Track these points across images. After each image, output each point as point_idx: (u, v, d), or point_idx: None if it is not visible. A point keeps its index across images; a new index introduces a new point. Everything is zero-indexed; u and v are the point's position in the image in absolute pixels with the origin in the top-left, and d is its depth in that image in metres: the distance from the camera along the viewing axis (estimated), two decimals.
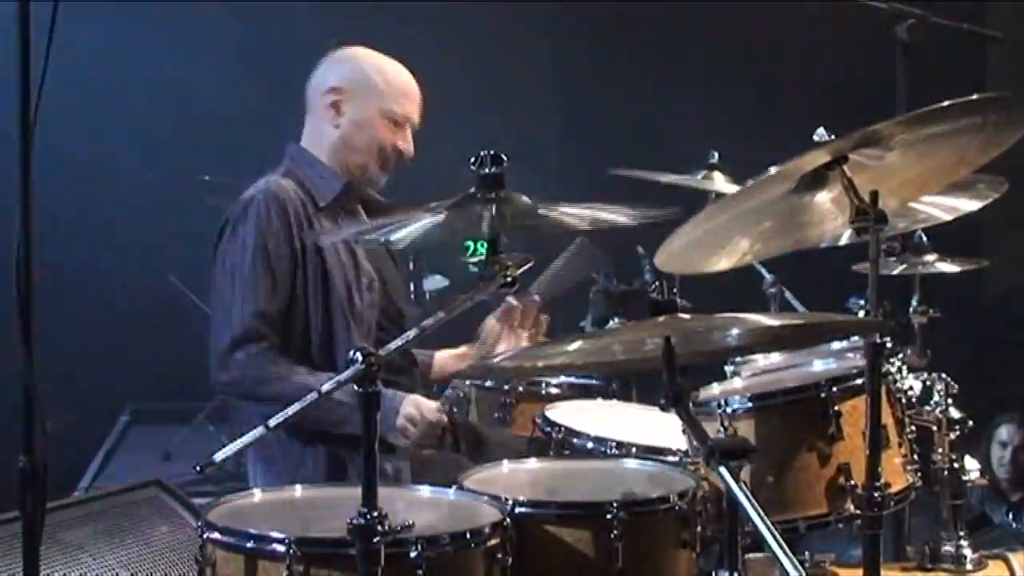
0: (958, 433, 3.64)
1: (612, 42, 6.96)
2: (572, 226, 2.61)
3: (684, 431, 2.67)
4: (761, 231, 2.77)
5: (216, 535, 2.33)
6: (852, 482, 2.91)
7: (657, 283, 2.44)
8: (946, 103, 2.39)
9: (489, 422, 3.89)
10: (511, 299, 3.49)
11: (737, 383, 3.36)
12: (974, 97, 2.40)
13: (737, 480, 2.16)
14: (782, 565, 2.05)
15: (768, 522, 2.08)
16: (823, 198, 2.74)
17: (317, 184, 3.33)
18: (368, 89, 3.35)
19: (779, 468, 2.95)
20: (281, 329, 3.19)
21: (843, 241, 3.29)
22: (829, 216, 2.79)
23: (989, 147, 2.58)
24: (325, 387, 2.25)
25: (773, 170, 2.53)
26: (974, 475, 3.70)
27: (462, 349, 3.62)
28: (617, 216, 2.58)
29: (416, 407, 3.14)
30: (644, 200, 3.93)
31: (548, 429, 3.30)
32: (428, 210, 2.50)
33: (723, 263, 2.80)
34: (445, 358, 3.61)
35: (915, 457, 3.16)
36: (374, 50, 3.47)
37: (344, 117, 3.35)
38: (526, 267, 2.48)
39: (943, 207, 3.27)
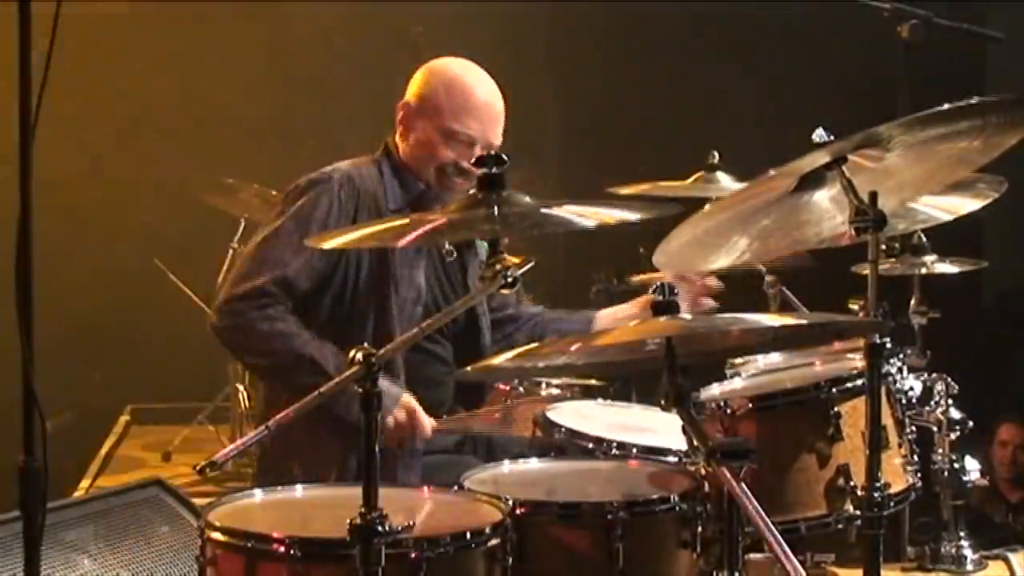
0: (958, 433, 3.64)
1: (612, 42, 6.96)
2: (573, 225, 2.61)
3: (684, 431, 2.67)
4: (760, 230, 2.77)
5: (216, 535, 2.33)
6: (852, 483, 2.90)
7: (658, 283, 2.44)
8: (946, 106, 2.39)
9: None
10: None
11: (737, 383, 3.36)
12: (974, 101, 2.40)
13: (737, 480, 2.17)
14: (782, 566, 2.05)
15: (768, 523, 2.08)
16: (822, 197, 2.74)
17: (395, 185, 3.34)
18: (430, 106, 3.34)
19: (779, 469, 2.94)
20: (297, 305, 3.20)
21: (842, 242, 3.29)
22: (828, 215, 2.79)
23: (989, 148, 2.58)
24: (324, 387, 2.25)
25: (773, 172, 2.54)
26: (974, 475, 3.70)
27: (629, 308, 3.53)
28: (618, 214, 2.58)
29: (409, 411, 3.12)
30: (644, 199, 3.94)
31: (548, 429, 3.30)
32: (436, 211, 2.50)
33: (721, 261, 2.80)
34: (612, 316, 3.54)
35: (915, 458, 3.16)
36: (464, 60, 3.43)
37: (410, 133, 3.36)
38: (527, 267, 2.48)
39: (943, 207, 3.27)
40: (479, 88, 3.35)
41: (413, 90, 3.39)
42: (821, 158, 2.57)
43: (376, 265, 3.23)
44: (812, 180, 2.67)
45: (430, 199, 3.34)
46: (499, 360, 2.57)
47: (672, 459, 3.00)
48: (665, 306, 2.38)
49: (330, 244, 2.61)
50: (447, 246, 3.41)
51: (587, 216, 2.59)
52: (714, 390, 3.27)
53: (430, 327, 2.46)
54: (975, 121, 2.47)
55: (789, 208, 2.74)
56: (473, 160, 3.21)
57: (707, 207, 2.69)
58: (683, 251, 2.72)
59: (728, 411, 3.00)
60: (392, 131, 3.43)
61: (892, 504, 2.79)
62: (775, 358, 3.48)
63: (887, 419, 3.03)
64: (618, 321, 3.49)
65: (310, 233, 3.13)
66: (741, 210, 2.70)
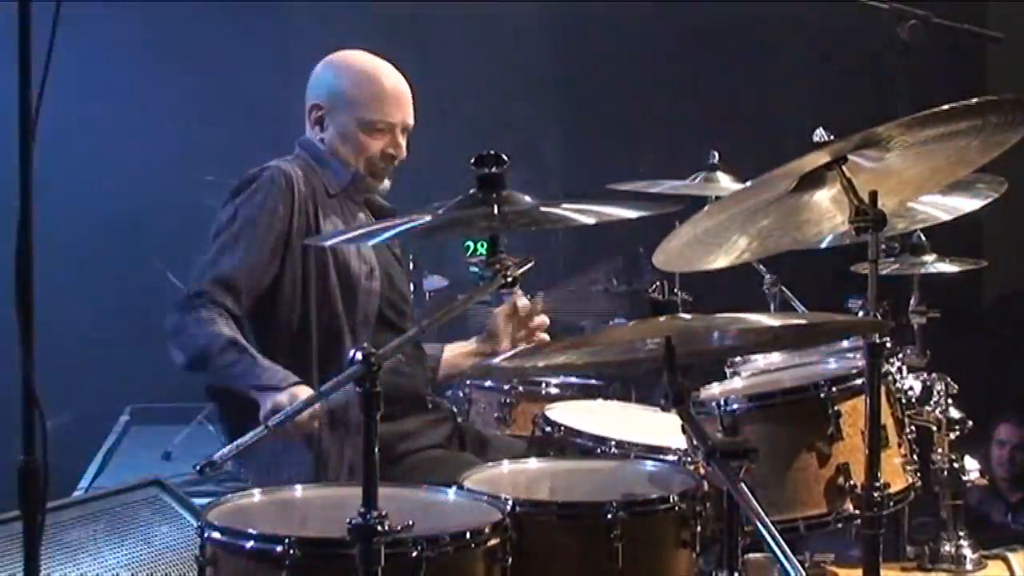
0: (958, 433, 3.64)
1: (612, 42, 6.96)
2: (574, 223, 2.60)
3: (684, 431, 2.67)
4: (759, 229, 2.78)
5: (216, 535, 2.33)
6: (852, 482, 2.91)
7: (657, 283, 2.45)
8: (946, 106, 2.39)
9: (489, 422, 3.90)
10: (518, 294, 3.47)
11: (737, 383, 3.36)
12: (973, 101, 2.40)
13: (737, 480, 2.17)
14: (782, 565, 2.05)
15: (768, 522, 2.08)
16: (822, 197, 2.74)
17: (327, 173, 3.34)
18: (344, 102, 3.35)
19: (779, 468, 2.95)
20: (250, 303, 3.18)
21: (824, 245, 3.30)
22: (827, 215, 2.79)
23: (988, 148, 2.58)
24: (325, 387, 2.25)
25: (775, 172, 2.54)
26: (974, 475, 3.70)
27: (471, 344, 3.61)
28: (618, 212, 2.58)
29: (291, 399, 2.98)
30: (645, 199, 3.95)
31: (548, 429, 3.30)
32: (430, 212, 2.50)
33: (721, 261, 2.80)
34: (455, 354, 3.60)
35: (915, 457, 3.16)
36: (366, 51, 3.44)
37: (328, 131, 3.37)
38: (526, 267, 2.48)
39: (943, 207, 3.27)
40: (385, 74, 3.38)
41: (320, 89, 3.39)
42: (821, 158, 2.57)
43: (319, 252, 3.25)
44: (812, 180, 2.67)
45: (362, 179, 3.37)
46: (499, 360, 2.57)
47: (672, 459, 3.01)
48: (664, 306, 2.38)
49: (331, 243, 2.61)
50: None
51: (586, 214, 2.59)
52: (714, 390, 3.28)
53: (430, 326, 2.46)
54: (975, 121, 2.47)
55: (789, 208, 2.74)
56: (392, 148, 3.34)
57: (707, 207, 2.70)
58: (683, 251, 2.72)
59: (728, 411, 3.00)
60: (298, 133, 3.44)
61: (892, 503, 2.79)
62: (775, 358, 3.48)
63: (887, 418, 3.03)
64: (457, 357, 3.56)
65: (255, 227, 3.18)
66: (741, 210, 2.70)
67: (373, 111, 3.34)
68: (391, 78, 3.38)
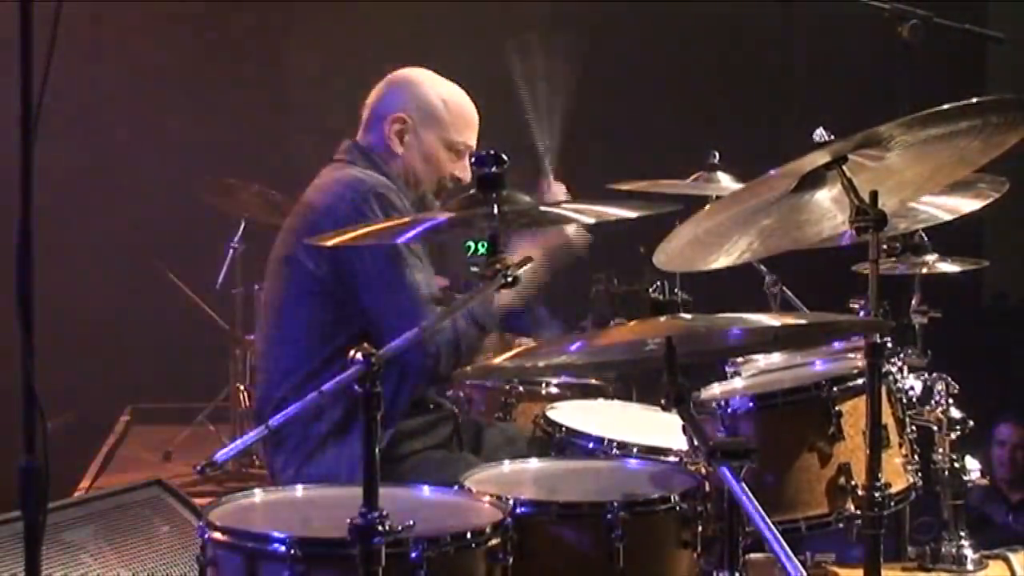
0: (958, 433, 3.64)
1: (612, 42, 6.96)
2: (574, 223, 2.61)
3: (684, 431, 2.67)
4: (760, 229, 2.78)
5: (217, 535, 2.33)
6: (853, 482, 2.91)
7: (658, 283, 2.45)
8: (946, 106, 2.39)
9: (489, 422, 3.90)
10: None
11: (737, 383, 3.36)
12: (973, 100, 2.40)
13: (738, 480, 2.16)
14: (783, 565, 2.05)
15: (769, 522, 2.08)
16: (822, 197, 2.74)
17: (400, 189, 3.31)
18: (433, 120, 3.36)
19: (780, 468, 2.95)
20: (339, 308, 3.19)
21: (843, 242, 3.29)
22: (828, 215, 2.79)
23: (989, 148, 2.58)
24: (326, 386, 2.25)
25: (773, 171, 2.54)
26: (974, 475, 3.70)
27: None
28: (619, 211, 2.58)
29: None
30: (645, 199, 3.94)
31: (548, 429, 3.30)
32: (436, 211, 2.50)
33: (722, 261, 2.80)
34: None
35: (915, 457, 3.16)
36: (435, 73, 3.46)
37: (408, 146, 3.35)
38: (526, 267, 2.48)
39: (943, 207, 3.27)
40: (466, 99, 3.44)
41: (407, 101, 3.37)
42: (821, 158, 2.57)
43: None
44: (812, 180, 2.67)
45: (423, 206, 3.37)
46: (499, 360, 2.57)
47: (672, 459, 3.01)
48: (665, 306, 2.38)
49: (332, 242, 2.61)
50: None
51: (586, 214, 2.59)
52: (714, 390, 3.28)
53: (429, 327, 2.46)
54: (975, 121, 2.47)
55: (789, 208, 2.74)
56: (461, 172, 3.37)
57: (708, 207, 2.70)
58: (683, 251, 2.72)
59: (729, 411, 3.00)
60: (354, 135, 3.41)
61: (893, 503, 2.79)
62: (775, 358, 3.48)
63: (888, 418, 3.03)
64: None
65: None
66: (741, 210, 2.70)
67: (459, 133, 3.37)
68: (472, 104, 3.44)
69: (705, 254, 2.77)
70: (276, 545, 2.24)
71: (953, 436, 3.63)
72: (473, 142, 3.40)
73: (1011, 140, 2.54)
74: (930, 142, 2.54)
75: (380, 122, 3.38)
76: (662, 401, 2.37)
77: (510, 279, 2.43)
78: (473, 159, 2.53)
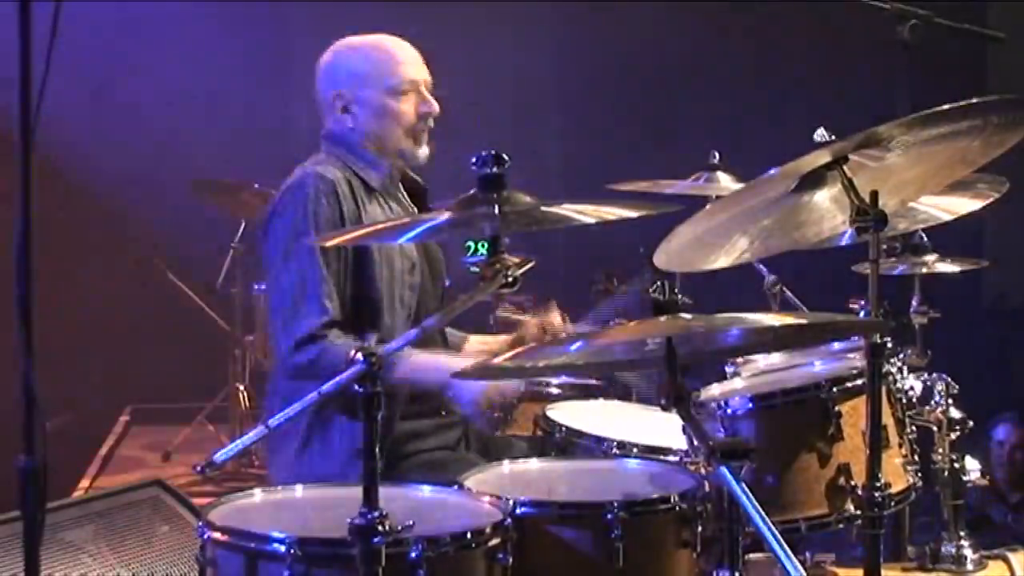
0: (958, 433, 3.64)
1: (612, 42, 6.96)
2: (574, 223, 2.60)
3: (684, 431, 2.67)
4: (760, 229, 2.78)
5: (217, 535, 2.33)
6: (852, 482, 2.91)
7: (658, 283, 2.44)
8: (946, 106, 2.39)
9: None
10: (554, 312, 3.46)
11: (737, 383, 3.36)
12: (974, 100, 2.40)
13: (738, 480, 2.16)
14: (783, 565, 2.05)
15: (769, 522, 2.08)
16: (822, 197, 2.74)
17: (366, 169, 3.33)
18: (362, 79, 3.34)
19: (779, 468, 2.95)
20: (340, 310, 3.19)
21: (844, 241, 3.29)
22: (828, 215, 2.79)
23: (989, 148, 2.58)
24: (325, 387, 2.24)
25: (773, 171, 2.53)
26: (974, 475, 3.70)
27: (501, 339, 3.57)
28: (619, 211, 2.58)
29: (497, 389, 3.11)
30: (645, 199, 3.95)
31: (548, 429, 3.30)
32: (436, 211, 2.50)
33: (722, 261, 2.80)
34: (477, 348, 3.55)
35: (915, 457, 3.16)
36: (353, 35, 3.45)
37: (358, 115, 3.34)
38: (527, 267, 2.48)
39: (944, 207, 3.27)
40: (390, 41, 3.41)
41: (336, 75, 3.37)
42: (822, 158, 2.57)
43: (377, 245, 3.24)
44: (812, 180, 2.67)
45: (402, 168, 3.39)
46: (499, 360, 2.57)
47: (672, 459, 3.01)
48: (665, 306, 2.38)
49: (332, 242, 2.61)
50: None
51: (587, 214, 2.59)
52: (714, 390, 3.28)
53: (430, 327, 2.46)
54: (975, 121, 2.47)
55: (789, 208, 2.74)
56: (425, 105, 3.32)
57: (708, 207, 2.70)
58: (684, 251, 2.72)
59: (729, 411, 3.00)
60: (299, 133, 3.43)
61: (893, 504, 2.79)
62: (775, 358, 3.48)
63: (887, 419, 3.03)
64: (481, 353, 3.48)
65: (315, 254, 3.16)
66: (741, 210, 2.70)
67: (394, 75, 3.33)
68: (396, 42, 3.41)
69: (705, 254, 2.77)
70: (276, 545, 2.24)
71: (953, 436, 3.64)
72: (418, 74, 3.35)
73: (1011, 140, 2.55)
74: (931, 142, 2.55)
75: (325, 108, 3.39)
76: (662, 401, 2.37)
77: (510, 279, 2.43)
78: (474, 160, 2.51)
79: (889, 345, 2.73)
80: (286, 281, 3.16)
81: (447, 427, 3.34)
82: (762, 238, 2.79)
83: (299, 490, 2.65)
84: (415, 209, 3.44)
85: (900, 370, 3.27)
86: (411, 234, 2.63)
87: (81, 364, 6.48)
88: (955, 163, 2.66)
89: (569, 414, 3.41)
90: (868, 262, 2.61)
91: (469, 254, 5.54)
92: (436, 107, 3.35)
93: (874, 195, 2.55)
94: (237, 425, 5.89)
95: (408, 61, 3.37)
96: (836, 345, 3.36)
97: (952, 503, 3.67)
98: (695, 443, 2.33)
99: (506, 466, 2.87)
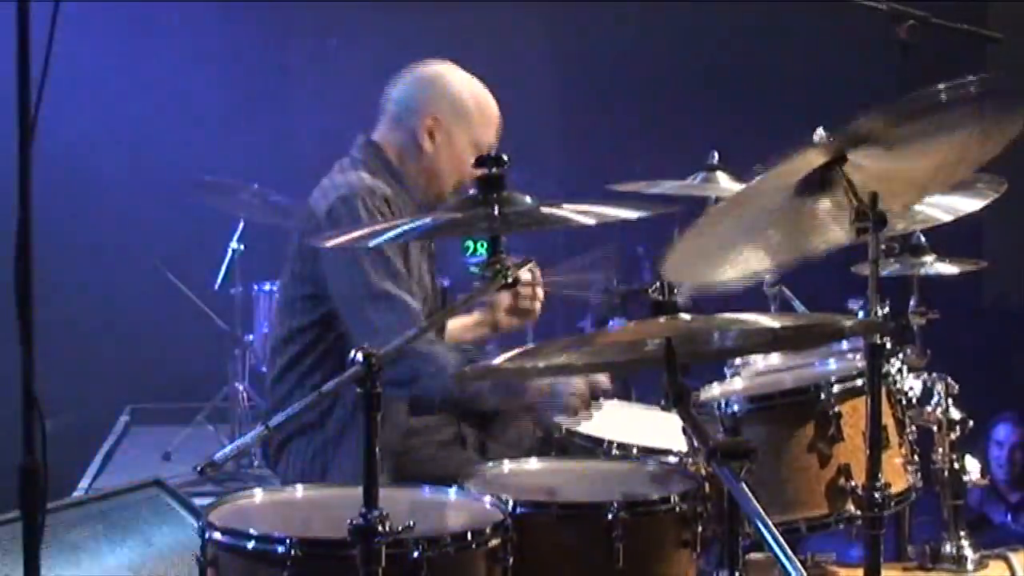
0: (958, 433, 3.64)
1: (612, 42, 6.96)
2: (574, 223, 2.60)
3: (685, 431, 2.67)
4: (767, 242, 2.75)
5: (217, 535, 2.33)
6: (852, 483, 2.90)
7: (658, 283, 2.44)
8: (939, 86, 2.38)
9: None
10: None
11: (737, 384, 3.36)
12: (968, 78, 2.39)
13: (738, 480, 2.16)
14: (783, 565, 2.05)
15: (769, 523, 2.08)
16: (827, 204, 2.73)
17: (403, 195, 3.29)
18: (464, 119, 3.33)
19: (779, 469, 2.94)
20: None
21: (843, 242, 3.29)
22: (833, 222, 2.77)
23: (988, 144, 2.57)
24: (325, 387, 2.25)
25: (774, 171, 2.52)
26: (974, 475, 3.70)
27: (474, 316, 3.58)
28: (619, 212, 2.58)
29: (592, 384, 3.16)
30: (645, 199, 3.94)
31: (548, 429, 3.30)
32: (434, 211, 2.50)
33: (730, 273, 2.78)
34: (457, 327, 3.56)
35: (915, 457, 3.16)
36: (459, 67, 3.44)
37: (437, 144, 3.32)
38: (526, 267, 2.48)
39: (943, 207, 3.27)
40: (491, 97, 3.40)
41: (438, 100, 3.35)
42: (819, 157, 2.56)
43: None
44: (816, 186, 2.65)
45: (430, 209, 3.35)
46: (499, 360, 2.57)
47: (672, 459, 3.00)
48: (665, 306, 2.38)
49: (332, 243, 2.60)
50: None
51: (586, 215, 2.59)
52: (714, 391, 3.27)
53: (429, 327, 2.46)
54: (969, 108, 2.44)
55: (795, 217, 2.72)
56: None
57: (708, 209, 2.69)
58: (690, 264, 2.69)
59: (728, 412, 3.00)
60: (368, 133, 3.39)
61: (892, 504, 2.79)
62: (774, 359, 3.48)
63: (887, 419, 3.03)
64: (460, 330, 3.53)
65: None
66: (745, 221, 2.68)
67: (487, 133, 3.34)
68: (493, 100, 3.40)
69: (712, 267, 2.74)
70: (276, 545, 2.24)
71: (953, 436, 3.63)
72: (493, 142, 3.33)
73: (1010, 133, 2.52)
74: (928, 137, 2.52)
75: (409, 120, 3.35)
76: (662, 401, 2.37)
77: (510, 279, 2.43)
78: (474, 160, 2.52)
79: (889, 346, 2.73)
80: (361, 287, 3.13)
81: (441, 424, 3.34)
82: (771, 251, 2.76)
83: (299, 490, 2.65)
84: None
85: (900, 370, 3.26)
86: (411, 234, 2.63)
87: (81, 364, 6.48)
88: (955, 161, 2.65)
89: None
90: (868, 263, 2.60)
91: (469, 254, 5.55)
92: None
93: (874, 196, 2.55)
94: (237, 425, 5.89)
95: (497, 128, 3.37)
96: (836, 345, 3.36)
97: (952, 503, 3.67)
98: (695, 443, 2.32)
99: (506, 466, 2.87)
